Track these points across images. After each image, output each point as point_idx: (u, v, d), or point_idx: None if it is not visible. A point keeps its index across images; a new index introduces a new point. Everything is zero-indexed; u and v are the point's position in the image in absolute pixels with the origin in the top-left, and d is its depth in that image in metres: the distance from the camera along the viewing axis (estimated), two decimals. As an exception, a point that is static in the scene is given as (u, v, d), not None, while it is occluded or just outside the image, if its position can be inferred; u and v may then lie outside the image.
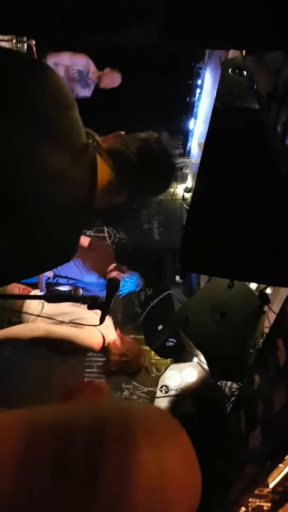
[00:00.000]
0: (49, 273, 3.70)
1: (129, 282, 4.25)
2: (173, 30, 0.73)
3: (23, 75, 1.28)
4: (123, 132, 1.52)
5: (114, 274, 4.28)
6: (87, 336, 2.38)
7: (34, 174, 1.24)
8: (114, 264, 4.40)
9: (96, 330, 2.22)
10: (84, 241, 4.04)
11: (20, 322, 2.49)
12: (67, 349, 2.41)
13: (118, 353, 2.63)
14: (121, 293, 4.32)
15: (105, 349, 2.61)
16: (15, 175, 1.21)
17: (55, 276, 3.85)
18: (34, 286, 2.83)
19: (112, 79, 4.95)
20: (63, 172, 1.30)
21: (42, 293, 2.57)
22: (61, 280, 3.99)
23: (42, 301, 2.44)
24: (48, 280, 3.75)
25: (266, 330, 2.16)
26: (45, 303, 2.41)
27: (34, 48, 4.13)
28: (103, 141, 1.48)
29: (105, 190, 1.45)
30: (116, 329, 2.69)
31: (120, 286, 4.40)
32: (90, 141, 1.42)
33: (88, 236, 4.55)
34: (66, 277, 3.91)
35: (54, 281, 3.92)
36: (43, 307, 2.48)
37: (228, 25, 0.69)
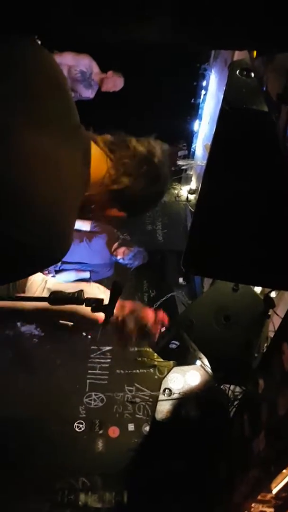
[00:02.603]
0: None
1: (136, 256, 4.36)
2: (185, 27, 0.72)
3: (11, 45, 1.13)
4: (108, 136, 1.43)
5: (121, 250, 4.32)
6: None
7: (15, 155, 1.06)
8: (117, 243, 4.44)
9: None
10: (86, 224, 4.11)
11: None
12: (72, 320, 2.29)
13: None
14: (131, 266, 4.40)
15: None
16: None
17: (62, 262, 3.88)
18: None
19: (115, 82, 4.93)
20: (51, 155, 1.14)
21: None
22: (67, 266, 4.03)
23: (45, 279, 2.39)
24: (55, 268, 3.81)
25: (271, 334, 2.15)
26: (48, 281, 2.35)
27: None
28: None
29: (99, 185, 1.35)
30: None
31: (128, 261, 4.46)
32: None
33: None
34: (75, 263, 3.97)
35: (60, 268, 3.96)
36: (46, 285, 2.44)
37: (238, 25, 0.68)
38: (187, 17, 0.71)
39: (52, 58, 1.27)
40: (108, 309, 1.79)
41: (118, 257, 4.40)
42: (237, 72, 1.31)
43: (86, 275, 4.36)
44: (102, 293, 1.92)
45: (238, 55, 3.59)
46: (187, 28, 0.72)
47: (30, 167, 1.08)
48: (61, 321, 2.19)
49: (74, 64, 4.81)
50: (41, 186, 1.08)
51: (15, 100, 1.10)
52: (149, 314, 2.23)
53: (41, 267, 1.32)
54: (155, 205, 1.57)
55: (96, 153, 1.35)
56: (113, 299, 1.76)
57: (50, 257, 1.18)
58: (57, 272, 3.89)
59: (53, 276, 2.94)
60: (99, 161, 1.35)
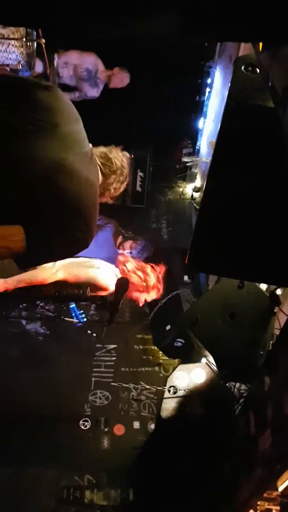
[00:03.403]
0: None
1: (141, 251, 4.35)
2: (193, 22, 0.71)
3: (39, 92, 1.50)
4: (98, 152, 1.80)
5: (128, 244, 4.31)
6: (103, 275, 2.28)
7: (69, 179, 1.47)
8: (121, 236, 4.42)
9: (110, 269, 2.14)
10: None
11: None
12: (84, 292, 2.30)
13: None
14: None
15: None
16: (53, 181, 1.44)
17: None
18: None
19: (121, 79, 4.93)
20: (87, 176, 1.56)
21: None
22: None
23: None
24: None
25: (277, 332, 2.14)
26: None
27: (43, 46, 4.11)
28: None
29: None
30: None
31: (137, 254, 4.43)
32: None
33: None
34: (80, 257, 3.98)
35: None
36: None
37: (241, 22, 0.67)
38: (193, 15, 0.70)
39: (66, 97, 1.62)
40: (113, 307, 1.79)
41: (126, 251, 4.39)
42: (242, 67, 1.30)
43: None
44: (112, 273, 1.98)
45: (243, 51, 3.57)
46: (193, 27, 0.72)
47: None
48: (66, 318, 2.20)
49: (80, 62, 4.80)
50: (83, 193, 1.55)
51: (52, 133, 1.49)
52: (149, 268, 2.43)
53: (77, 250, 1.70)
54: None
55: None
56: (118, 296, 1.76)
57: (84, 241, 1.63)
58: None
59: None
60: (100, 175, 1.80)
